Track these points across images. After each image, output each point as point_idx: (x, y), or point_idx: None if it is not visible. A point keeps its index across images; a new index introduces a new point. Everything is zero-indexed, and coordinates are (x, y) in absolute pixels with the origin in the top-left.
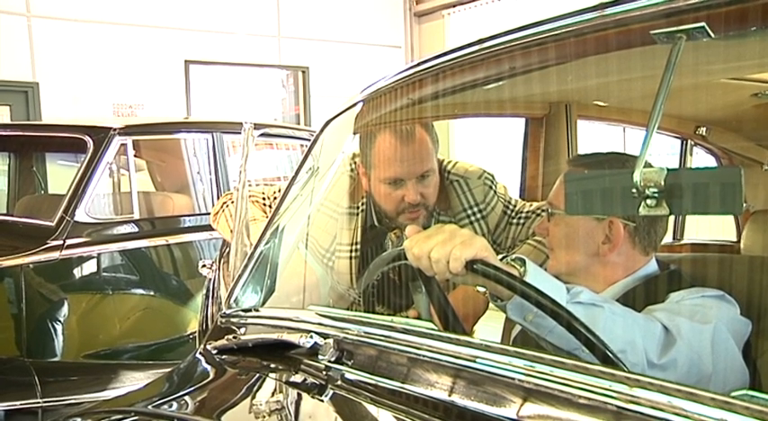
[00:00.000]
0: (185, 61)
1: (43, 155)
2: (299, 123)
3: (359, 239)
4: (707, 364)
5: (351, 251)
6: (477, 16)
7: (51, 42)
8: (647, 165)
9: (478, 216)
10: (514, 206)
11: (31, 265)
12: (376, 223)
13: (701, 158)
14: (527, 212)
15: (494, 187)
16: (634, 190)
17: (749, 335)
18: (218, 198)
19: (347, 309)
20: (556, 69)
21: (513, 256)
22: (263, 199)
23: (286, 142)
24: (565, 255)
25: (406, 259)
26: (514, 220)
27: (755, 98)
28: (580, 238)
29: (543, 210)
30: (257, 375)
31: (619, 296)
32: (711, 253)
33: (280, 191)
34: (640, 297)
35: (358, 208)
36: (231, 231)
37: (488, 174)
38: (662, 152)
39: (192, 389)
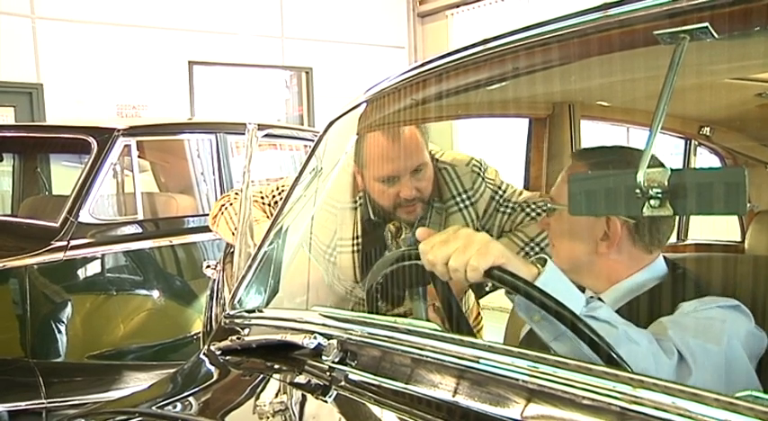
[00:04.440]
0: (189, 62)
1: (47, 156)
2: (302, 124)
3: (359, 234)
4: (720, 387)
5: (352, 245)
6: (481, 16)
7: (55, 44)
8: (652, 164)
9: (467, 203)
10: (504, 192)
11: (35, 266)
12: (373, 217)
13: (704, 158)
14: (514, 203)
15: (482, 174)
16: (638, 190)
17: (765, 349)
18: None
19: (350, 307)
20: (559, 70)
21: (537, 256)
22: (262, 199)
23: (290, 143)
24: (565, 252)
25: (411, 260)
26: (501, 208)
27: (759, 98)
28: (579, 235)
29: (539, 207)
30: (261, 376)
31: (623, 297)
32: (716, 253)
33: (278, 189)
34: (648, 301)
35: (356, 202)
36: (233, 233)
37: (476, 160)
38: (666, 152)
39: (195, 389)
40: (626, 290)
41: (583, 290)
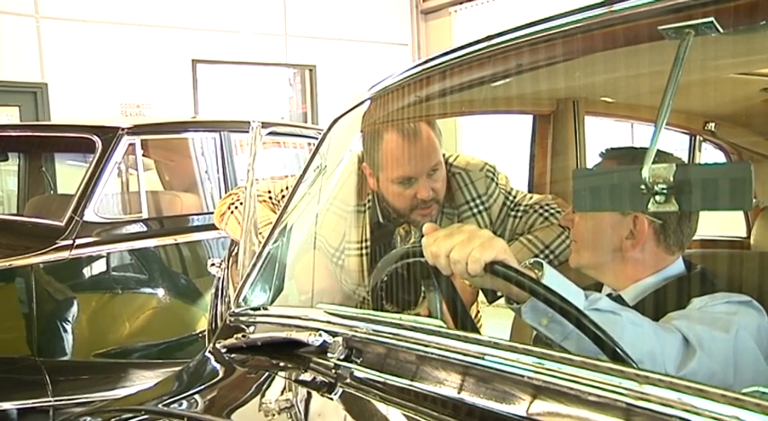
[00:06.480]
0: (192, 60)
1: (52, 155)
2: (306, 122)
3: (368, 236)
4: (729, 376)
5: (361, 248)
6: (484, 13)
7: (59, 43)
8: (658, 160)
9: (481, 208)
10: (514, 197)
11: (41, 265)
12: (382, 220)
13: (710, 154)
14: (525, 206)
15: (495, 179)
16: (643, 186)
17: None
18: None
19: (356, 307)
20: (564, 66)
21: (531, 260)
22: (270, 198)
23: (294, 141)
24: (588, 249)
25: (415, 256)
26: (512, 213)
27: (765, 93)
28: (604, 232)
29: (552, 208)
30: (266, 374)
31: (642, 295)
32: (721, 249)
33: (287, 188)
34: (664, 298)
35: (365, 206)
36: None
37: (490, 166)
38: (671, 148)
39: (201, 387)
40: (645, 289)
41: (601, 287)
